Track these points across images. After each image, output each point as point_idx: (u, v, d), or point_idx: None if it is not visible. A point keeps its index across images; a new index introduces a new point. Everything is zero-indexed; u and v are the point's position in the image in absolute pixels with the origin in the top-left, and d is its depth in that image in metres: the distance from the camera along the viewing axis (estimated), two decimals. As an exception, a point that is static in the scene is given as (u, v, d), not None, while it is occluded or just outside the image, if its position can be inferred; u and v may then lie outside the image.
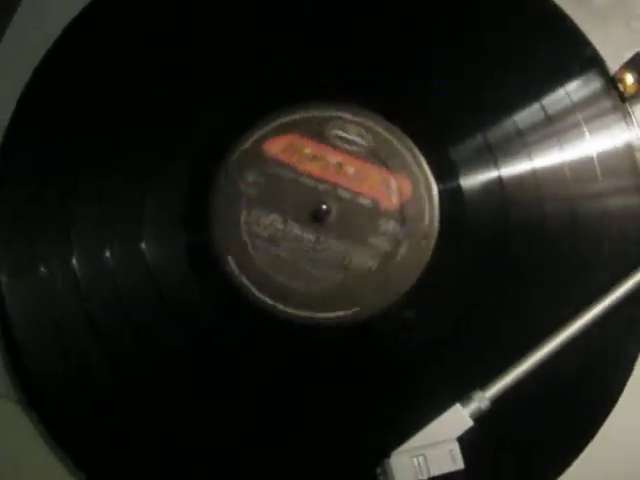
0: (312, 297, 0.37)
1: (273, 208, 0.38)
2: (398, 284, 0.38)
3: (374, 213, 0.38)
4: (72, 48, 0.39)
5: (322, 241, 0.38)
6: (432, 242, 0.38)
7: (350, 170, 0.39)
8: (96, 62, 0.39)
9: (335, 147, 0.39)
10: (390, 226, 0.38)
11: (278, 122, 0.38)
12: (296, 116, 0.39)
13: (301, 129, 0.39)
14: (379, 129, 0.39)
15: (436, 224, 0.38)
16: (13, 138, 0.39)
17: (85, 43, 0.40)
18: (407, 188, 0.39)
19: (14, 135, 0.39)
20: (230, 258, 0.37)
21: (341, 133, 0.39)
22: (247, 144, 0.38)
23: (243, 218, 0.38)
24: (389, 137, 0.39)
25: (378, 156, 0.39)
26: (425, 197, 0.39)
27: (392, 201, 0.39)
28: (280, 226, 0.38)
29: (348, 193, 0.38)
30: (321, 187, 0.38)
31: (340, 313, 0.37)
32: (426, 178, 0.39)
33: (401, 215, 0.38)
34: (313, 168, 0.38)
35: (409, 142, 0.39)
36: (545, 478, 0.36)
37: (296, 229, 0.38)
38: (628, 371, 0.37)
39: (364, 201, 0.38)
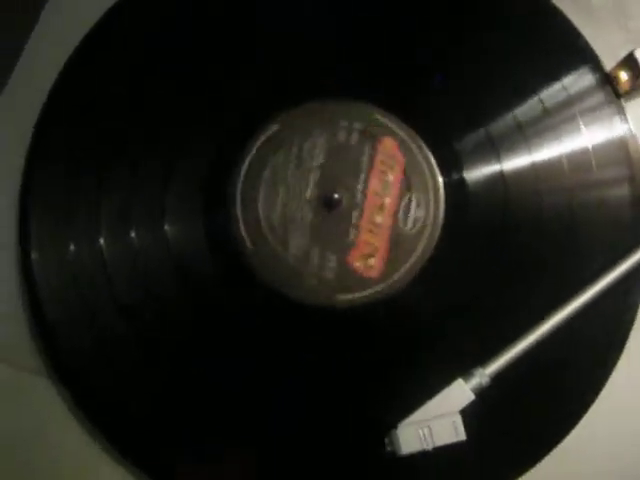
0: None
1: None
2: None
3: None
4: (98, 48, 0.42)
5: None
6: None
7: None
8: (121, 62, 0.42)
9: None
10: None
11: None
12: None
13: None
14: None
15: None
16: (46, 122, 0.41)
17: (110, 44, 0.42)
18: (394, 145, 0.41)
19: (47, 120, 0.41)
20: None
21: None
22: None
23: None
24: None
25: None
26: (420, 159, 0.41)
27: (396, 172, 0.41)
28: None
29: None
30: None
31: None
32: (415, 141, 0.41)
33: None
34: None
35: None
36: (539, 450, 0.39)
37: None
38: (622, 344, 0.40)
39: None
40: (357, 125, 0.41)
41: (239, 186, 0.40)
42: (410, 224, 0.41)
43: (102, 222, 0.39)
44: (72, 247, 0.39)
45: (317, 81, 0.42)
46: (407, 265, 0.40)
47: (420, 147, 0.41)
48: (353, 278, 0.40)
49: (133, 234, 0.39)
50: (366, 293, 0.40)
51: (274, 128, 0.41)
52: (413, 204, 0.41)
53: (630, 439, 0.41)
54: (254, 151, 0.41)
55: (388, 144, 0.41)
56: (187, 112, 0.41)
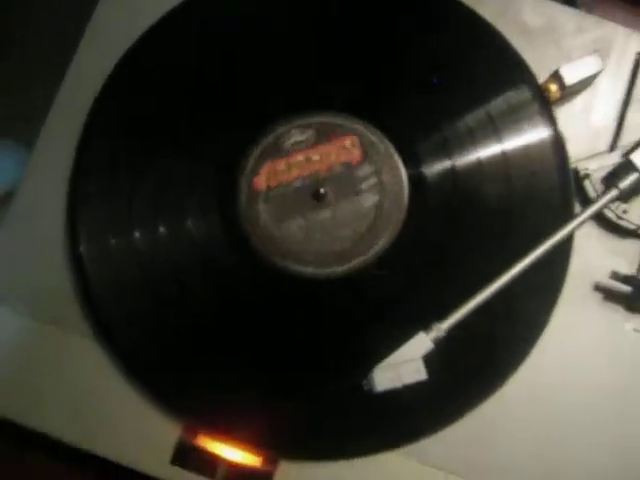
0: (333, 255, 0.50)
1: (291, 215, 0.51)
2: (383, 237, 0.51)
3: (351, 169, 0.51)
4: (129, 74, 0.53)
5: (334, 210, 0.50)
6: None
7: (315, 157, 0.51)
8: (151, 85, 0.52)
9: (294, 151, 0.52)
10: (366, 169, 0.51)
11: (252, 161, 0.51)
12: (260, 148, 0.52)
13: (268, 156, 0.51)
14: (316, 120, 0.52)
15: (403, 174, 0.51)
16: (92, 130, 0.51)
17: (139, 70, 0.53)
18: (355, 140, 0.52)
19: (93, 127, 0.51)
20: (252, 230, 0.50)
21: (291, 140, 0.52)
22: (243, 192, 0.51)
23: (277, 233, 0.51)
24: (324, 120, 0.52)
25: (324, 136, 0.52)
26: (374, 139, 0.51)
27: (355, 153, 0.51)
28: (303, 222, 0.50)
29: (325, 172, 0.51)
30: (308, 181, 0.51)
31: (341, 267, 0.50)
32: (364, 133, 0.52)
33: (368, 158, 0.51)
34: (294, 173, 0.51)
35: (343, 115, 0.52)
36: (481, 388, 0.49)
37: (314, 215, 0.51)
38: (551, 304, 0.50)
39: (339, 168, 0.51)
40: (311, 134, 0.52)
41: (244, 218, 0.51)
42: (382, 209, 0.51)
43: (136, 219, 0.50)
44: (112, 240, 0.49)
45: (304, 96, 0.52)
46: (380, 243, 0.50)
47: (390, 151, 0.52)
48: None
49: (162, 229, 0.50)
50: (351, 265, 0.50)
51: (269, 139, 0.51)
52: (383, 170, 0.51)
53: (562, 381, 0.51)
54: (255, 156, 0.51)
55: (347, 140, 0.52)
56: (203, 127, 0.52)
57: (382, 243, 0.50)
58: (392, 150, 0.52)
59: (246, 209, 0.51)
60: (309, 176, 0.51)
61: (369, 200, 0.51)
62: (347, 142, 0.51)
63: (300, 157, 0.51)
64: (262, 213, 0.51)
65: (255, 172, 0.51)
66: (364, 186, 0.51)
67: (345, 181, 0.51)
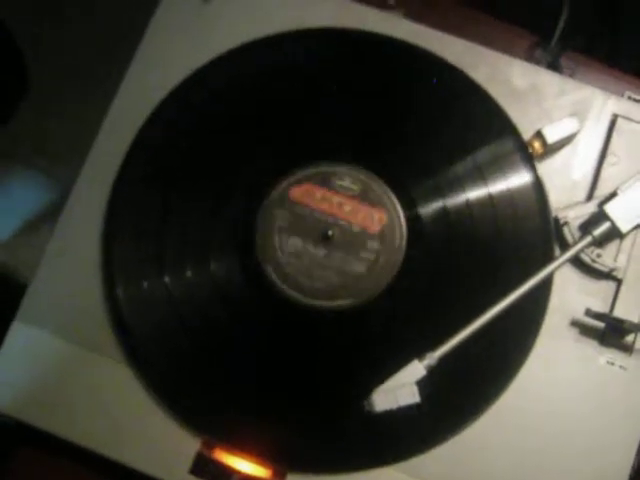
0: (321, 291, 0.56)
1: (296, 234, 0.57)
2: (379, 283, 0.56)
3: (364, 236, 0.57)
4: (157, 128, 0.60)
5: (329, 254, 0.57)
6: (402, 254, 0.57)
7: (347, 208, 0.58)
8: (180, 134, 0.59)
9: (337, 192, 0.58)
10: (374, 244, 0.57)
11: (299, 175, 0.58)
12: (311, 171, 0.58)
13: (314, 180, 0.58)
14: (364, 178, 0.58)
15: (404, 242, 0.58)
16: (122, 183, 0.58)
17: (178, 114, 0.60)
18: (384, 217, 0.58)
19: (123, 179, 0.58)
20: (269, 267, 0.56)
21: (341, 182, 0.58)
22: (278, 191, 0.58)
23: (277, 241, 0.56)
24: (371, 183, 0.58)
25: (365, 197, 0.58)
26: (396, 222, 0.58)
27: (375, 227, 0.58)
28: (300, 245, 0.57)
29: (346, 222, 0.58)
30: (328, 219, 0.58)
31: (341, 302, 0.56)
32: (395, 209, 0.58)
33: (381, 236, 0.57)
34: (322, 206, 0.58)
35: (384, 186, 0.58)
36: (468, 410, 0.55)
37: (311, 247, 0.57)
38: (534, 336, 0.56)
39: (356, 228, 0.57)
40: (345, 180, 0.58)
41: (261, 230, 0.57)
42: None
43: (166, 265, 0.57)
44: (144, 284, 0.56)
45: (315, 149, 0.59)
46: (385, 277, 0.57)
47: (389, 196, 0.58)
48: (342, 291, 0.56)
49: (189, 273, 0.57)
50: (355, 300, 0.56)
51: (325, 169, 0.58)
52: (383, 255, 0.57)
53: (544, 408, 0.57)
54: (271, 203, 0.58)
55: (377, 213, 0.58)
56: (223, 178, 0.59)
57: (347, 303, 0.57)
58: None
59: (269, 206, 0.57)
60: (331, 216, 0.58)
61: (356, 267, 0.57)
62: (376, 214, 0.58)
63: (337, 198, 0.58)
64: (277, 218, 0.57)
65: (297, 183, 0.58)
66: (363, 254, 0.57)
67: (353, 240, 0.57)
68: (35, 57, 1.12)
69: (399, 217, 0.58)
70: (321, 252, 0.57)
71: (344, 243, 0.57)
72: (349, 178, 0.58)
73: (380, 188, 0.58)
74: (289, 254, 0.57)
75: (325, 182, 0.58)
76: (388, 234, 0.58)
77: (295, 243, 0.57)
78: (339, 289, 0.56)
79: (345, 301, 0.56)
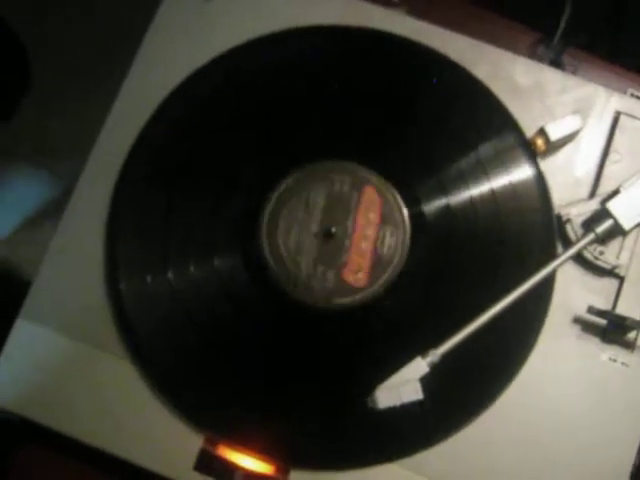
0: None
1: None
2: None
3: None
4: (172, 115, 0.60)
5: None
6: (406, 249, 0.57)
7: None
8: (182, 135, 0.59)
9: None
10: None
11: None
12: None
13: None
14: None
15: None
16: (125, 180, 0.58)
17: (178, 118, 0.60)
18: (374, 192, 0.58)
19: (126, 177, 0.58)
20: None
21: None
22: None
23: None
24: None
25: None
26: (397, 215, 0.58)
27: (376, 220, 0.58)
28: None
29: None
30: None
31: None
32: (396, 201, 0.58)
33: (383, 229, 0.57)
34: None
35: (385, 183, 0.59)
36: (470, 405, 0.55)
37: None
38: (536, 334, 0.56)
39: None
40: (347, 178, 0.58)
41: (264, 225, 0.57)
42: (385, 249, 0.57)
43: (169, 260, 0.57)
44: (148, 279, 0.56)
45: (318, 147, 0.59)
46: (384, 277, 0.57)
47: (393, 194, 0.58)
48: (347, 288, 0.56)
49: (192, 268, 0.57)
50: (357, 297, 0.56)
51: (289, 182, 0.58)
52: (387, 234, 0.57)
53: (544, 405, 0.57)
54: (274, 200, 0.57)
55: (369, 192, 0.58)
56: (226, 175, 0.59)
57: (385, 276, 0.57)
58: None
59: (273, 204, 0.57)
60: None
61: (363, 262, 0.57)
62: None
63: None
64: (281, 215, 0.57)
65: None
66: (365, 248, 0.57)
67: (355, 237, 0.57)
68: (37, 55, 1.13)
69: (400, 209, 0.58)
70: (325, 249, 0.57)
71: (344, 243, 0.57)
72: (348, 177, 0.58)
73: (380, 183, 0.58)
74: (293, 251, 0.57)
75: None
76: (390, 222, 0.58)
77: (299, 240, 0.57)
78: (343, 286, 0.56)
79: (349, 299, 0.56)
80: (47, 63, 1.10)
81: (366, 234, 0.57)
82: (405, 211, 0.58)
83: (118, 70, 0.62)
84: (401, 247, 0.57)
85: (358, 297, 0.56)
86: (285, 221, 0.57)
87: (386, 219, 0.58)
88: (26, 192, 1.10)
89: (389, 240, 0.57)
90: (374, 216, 0.58)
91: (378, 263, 0.57)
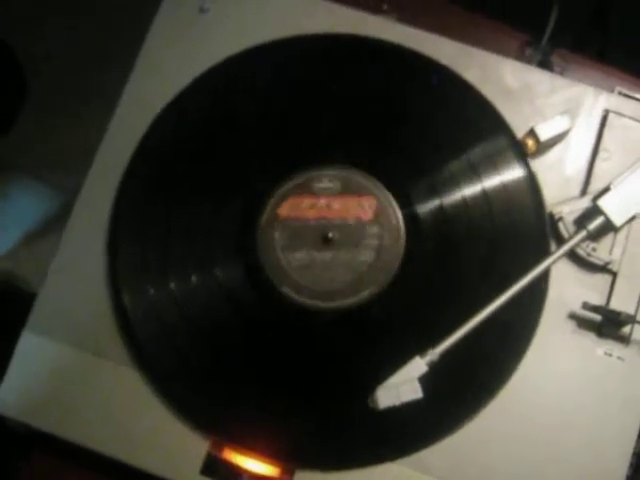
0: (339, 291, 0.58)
1: (299, 247, 0.59)
2: (391, 264, 0.58)
3: (361, 225, 0.59)
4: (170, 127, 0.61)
5: (335, 255, 0.58)
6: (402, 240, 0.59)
7: (336, 206, 0.60)
8: (181, 147, 0.60)
9: (320, 195, 0.60)
10: (374, 229, 0.59)
11: (282, 191, 0.60)
12: (291, 184, 0.60)
13: (297, 191, 0.60)
14: (342, 173, 0.60)
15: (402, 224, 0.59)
16: (125, 193, 0.59)
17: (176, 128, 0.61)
18: (373, 202, 0.59)
19: (126, 189, 0.60)
20: (285, 288, 0.58)
21: (321, 184, 0.60)
22: (266, 215, 0.59)
23: (283, 261, 0.58)
24: (350, 176, 0.60)
25: (349, 190, 0.59)
26: (387, 205, 0.59)
27: (369, 213, 0.59)
28: (306, 256, 0.58)
29: (340, 220, 0.59)
30: (323, 223, 0.59)
31: (362, 293, 0.58)
32: (382, 192, 0.60)
33: (377, 219, 0.59)
34: (313, 213, 0.59)
35: (363, 173, 0.60)
36: (467, 405, 0.56)
37: (316, 254, 0.58)
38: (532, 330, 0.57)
39: (352, 221, 0.59)
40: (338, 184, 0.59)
41: (259, 239, 0.59)
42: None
43: (171, 271, 0.58)
44: (151, 290, 0.58)
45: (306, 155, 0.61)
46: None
47: (388, 199, 0.59)
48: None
49: (194, 278, 0.58)
50: (365, 294, 0.58)
51: (302, 179, 0.59)
52: (385, 236, 0.59)
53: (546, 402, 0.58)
54: (268, 212, 0.59)
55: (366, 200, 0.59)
56: (222, 186, 0.61)
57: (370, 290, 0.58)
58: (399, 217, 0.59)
59: (264, 231, 0.58)
60: (323, 219, 0.59)
61: (365, 256, 0.59)
62: (365, 202, 0.59)
63: (323, 201, 0.59)
64: (276, 239, 0.58)
65: (282, 200, 0.59)
66: (367, 242, 0.59)
67: (353, 233, 0.59)
68: (35, 69, 1.14)
69: (388, 199, 0.59)
70: (327, 256, 0.58)
71: (346, 239, 0.58)
72: (327, 178, 0.60)
73: (360, 176, 0.60)
74: (299, 268, 0.58)
75: (306, 189, 0.60)
76: (383, 216, 0.59)
77: (301, 256, 0.58)
78: (357, 282, 0.58)
79: (366, 291, 0.58)
80: (46, 76, 1.11)
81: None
82: (399, 212, 0.59)
83: (117, 81, 0.64)
84: (396, 246, 0.59)
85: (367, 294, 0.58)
86: (282, 243, 0.59)
87: (382, 222, 0.59)
88: (27, 205, 1.11)
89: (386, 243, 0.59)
90: (369, 221, 0.59)
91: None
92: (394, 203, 0.59)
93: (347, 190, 0.59)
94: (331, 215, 0.59)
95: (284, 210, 0.59)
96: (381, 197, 0.59)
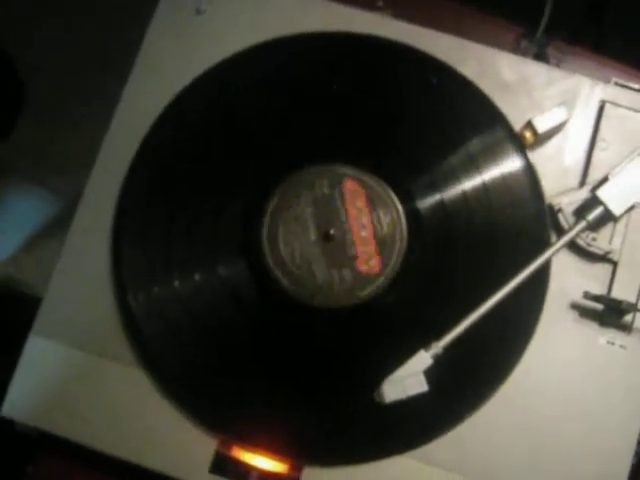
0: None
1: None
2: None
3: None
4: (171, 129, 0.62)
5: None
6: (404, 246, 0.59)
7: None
8: (183, 148, 0.61)
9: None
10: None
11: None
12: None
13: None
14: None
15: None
16: (127, 195, 0.60)
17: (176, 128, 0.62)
18: (375, 198, 0.60)
19: (128, 191, 0.60)
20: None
21: (322, 182, 0.60)
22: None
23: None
24: (353, 174, 0.60)
25: (350, 187, 0.60)
26: (395, 216, 0.59)
27: (369, 209, 0.60)
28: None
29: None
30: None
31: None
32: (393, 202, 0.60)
33: (378, 215, 0.59)
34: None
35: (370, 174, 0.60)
36: (471, 397, 0.57)
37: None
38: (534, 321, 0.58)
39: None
40: (324, 180, 0.60)
41: (268, 256, 0.59)
42: (385, 228, 0.59)
43: (174, 271, 0.58)
44: (155, 289, 0.58)
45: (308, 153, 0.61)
46: (395, 251, 0.58)
47: (378, 182, 0.60)
48: (365, 278, 0.58)
49: (197, 277, 0.58)
50: (379, 282, 0.58)
51: (275, 199, 0.60)
52: (381, 214, 0.59)
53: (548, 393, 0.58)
54: (268, 215, 0.59)
55: (349, 184, 0.60)
56: (224, 185, 0.61)
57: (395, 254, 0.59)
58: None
59: (266, 228, 0.59)
60: (326, 216, 0.59)
61: (367, 251, 0.59)
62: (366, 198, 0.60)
63: (324, 198, 0.60)
64: (278, 236, 0.59)
65: (284, 197, 0.60)
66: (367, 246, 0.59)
67: (354, 234, 0.59)
68: (34, 73, 1.14)
69: (397, 210, 0.60)
70: (330, 252, 0.59)
71: (348, 236, 0.59)
72: (326, 175, 0.60)
73: (360, 173, 0.60)
74: (301, 264, 0.58)
75: (307, 187, 0.60)
76: (384, 211, 0.59)
77: (303, 253, 0.59)
78: (362, 278, 0.58)
79: (372, 287, 0.58)
80: (45, 78, 1.11)
81: (362, 223, 0.59)
82: (400, 207, 0.59)
83: (117, 82, 0.64)
84: (398, 221, 0.59)
85: (380, 281, 0.58)
86: (284, 239, 0.59)
87: (374, 202, 0.59)
88: (27, 209, 1.11)
89: (384, 219, 0.59)
90: (362, 204, 0.59)
91: (383, 243, 0.59)
92: (395, 199, 0.59)
93: (348, 187, 0.60)
94: (332, 212, 0.59)
95: (285, 207, 0.59)
96: (382, 193, 0.59)
